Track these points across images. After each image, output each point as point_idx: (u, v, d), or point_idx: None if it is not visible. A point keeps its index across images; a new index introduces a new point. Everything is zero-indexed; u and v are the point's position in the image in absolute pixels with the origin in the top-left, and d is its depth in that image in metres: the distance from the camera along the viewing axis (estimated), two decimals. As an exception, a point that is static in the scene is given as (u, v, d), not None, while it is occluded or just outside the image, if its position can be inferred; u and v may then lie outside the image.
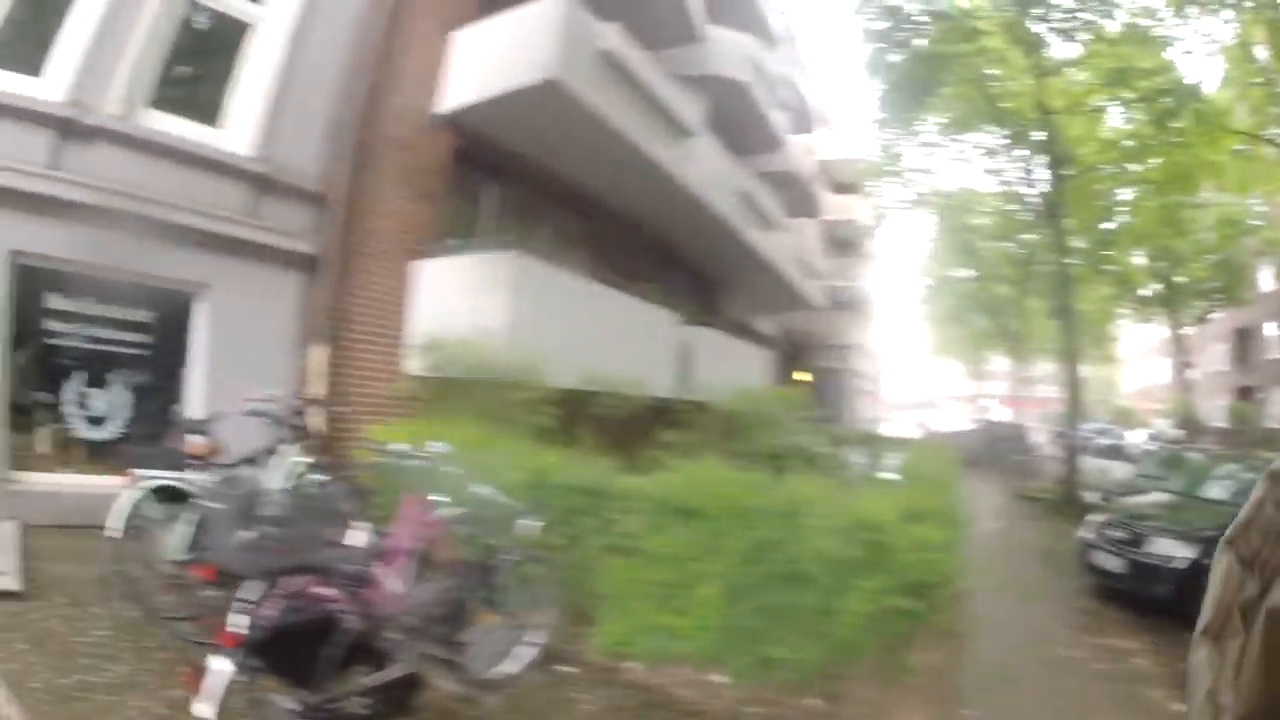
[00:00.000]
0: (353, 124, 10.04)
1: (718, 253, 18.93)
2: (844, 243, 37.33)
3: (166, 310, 9.25)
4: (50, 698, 4.89)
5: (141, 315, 9.09)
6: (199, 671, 3.77)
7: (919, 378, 51.09)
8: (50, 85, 8.15)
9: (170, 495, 6.19)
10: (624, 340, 12.45)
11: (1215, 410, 38.65)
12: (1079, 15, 17.19)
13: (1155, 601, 9.08)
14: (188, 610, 5.77)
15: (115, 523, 5.88)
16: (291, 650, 4.06)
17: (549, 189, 13.76)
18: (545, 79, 10.37)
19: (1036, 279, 26.89)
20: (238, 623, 3.93)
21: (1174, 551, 9.22)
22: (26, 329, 8.28)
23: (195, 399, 9.20)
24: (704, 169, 15.28)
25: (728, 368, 15.89)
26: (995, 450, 28.13)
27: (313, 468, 7.08)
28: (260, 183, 9.39)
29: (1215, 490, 11.69)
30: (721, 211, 16.29)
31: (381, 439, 7.12)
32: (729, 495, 5.72)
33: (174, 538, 6.05)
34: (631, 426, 10.67)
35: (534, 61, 10.48)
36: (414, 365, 10.38)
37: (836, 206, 34.84)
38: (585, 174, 13.74)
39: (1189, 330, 36.05)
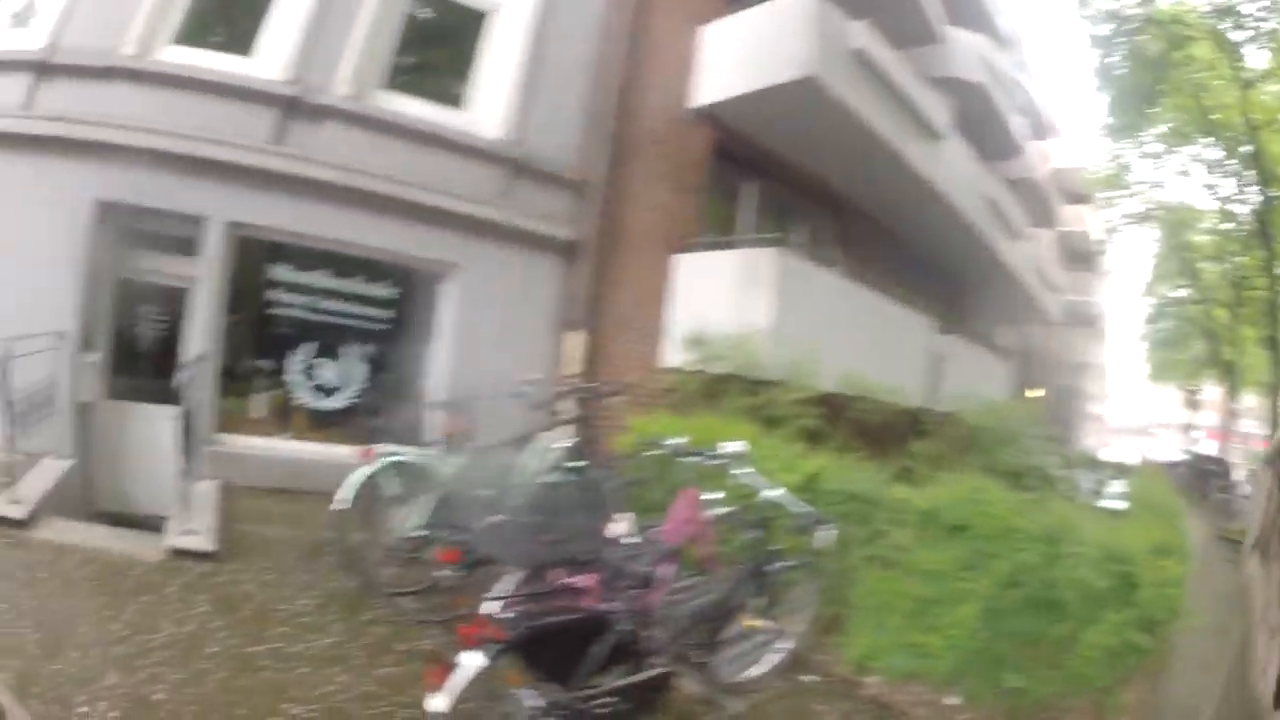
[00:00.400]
0: (607, 114, 9.63)
1: (964, 259, 17.65)
2: (1078, 255, 34.58)
3: (409, 288, 8.78)
4: (229, 664, 4.56)
5: (381, 291, 8.63)
6: (445, 665, 3.36)
7: (1137, 402, 46.86)
8: (265, 66, 8.04)
9: (409, 472, 5.94)
10: (879, 344, 11.41)
11: None
12: (1264, 22, 15.34)
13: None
14: (413, 587, 5.62)
15: (345, 493, 5.61)
16: (550, 646, 3.64)
17: (803, 187, 12.99)
18: (803, 75, 9.74)
19: (1249, 304, 24.39)
20: (497, 616, 3.55)
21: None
22: (247, 298, 8.01)
23: (437, 377, 8.70)
24: (954, 173, 14.25)
25: (971, 378, 14.59)
26: (1199, 484, 25.42)
27: (572, 455, 6.61)
28: (513, 167, 9.01)
29: None
30: (970, 217, 15.26)
31: (650, 431, 6.89)
32: (998, 514, 5.41)
33: (409, 514, 5.81)
34: (884, 434, 9.83)
35: (790, 58, 9.86)
36: (674, 358, 9.80)
37: (1070, 217, 32.28)
38: (839, 173, 12.91)
39: None
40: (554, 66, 9.35)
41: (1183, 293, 31.15)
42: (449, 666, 3.35)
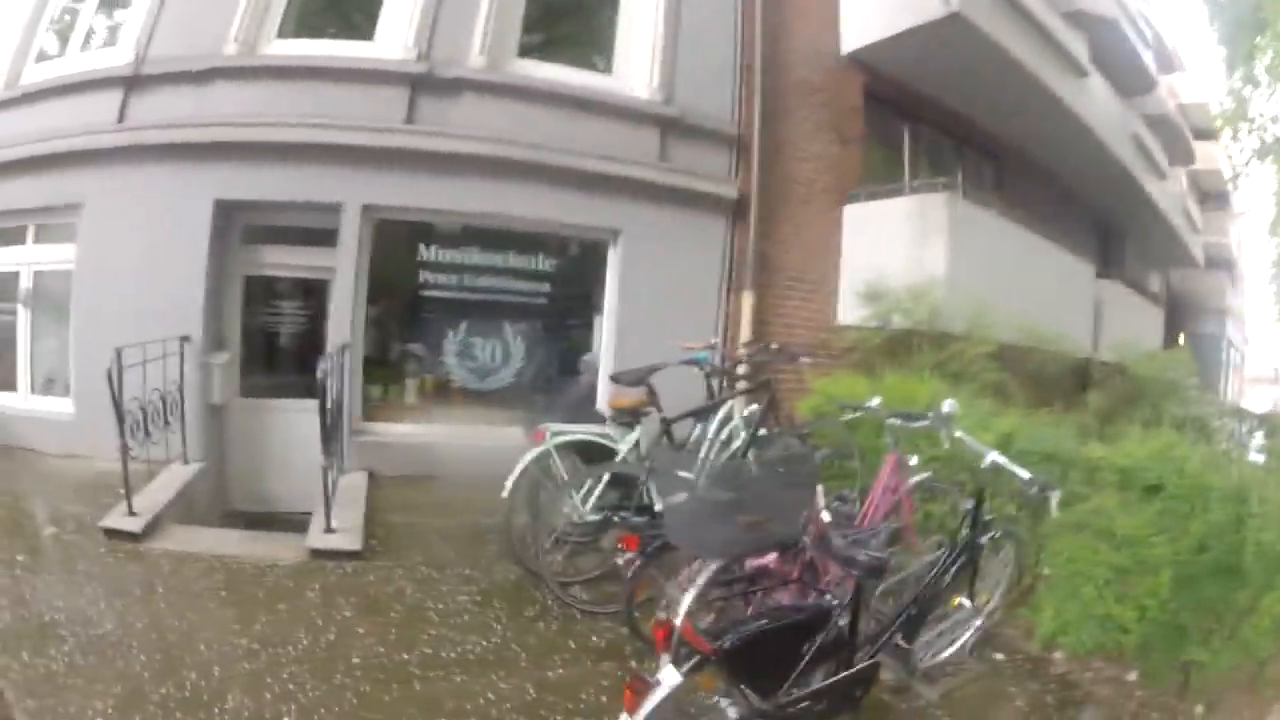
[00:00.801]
0: (758, 66, 8.92)
1: (1114, 201, 16.70)
2: (1210, 195, 32.60)
3: (566, 259, 8.25)
4: (374, 676, 4.06)
5: (536, 264, 8.04)
6: (642, 682, 2.89)
7: (1272, 349, 43.89)
8: (388, 47, 7.66)
9: (582, 451, 5.51)
10: (1044, 291, 10.71)
11: None
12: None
13: None
14: (584, 575, 5.31)
15: (513, 477, 5.23)
16: (758, 649, 3.07)
17: (956, 131, 12.34)
18: (948, 12, 9.18)
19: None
20: (701, 627, 3.11)
21: None
22: (395, 282, 7.57)
23: (601, 349, 8.19)
24: (1100, 109, 13.62)
25: (1126, 325, 13.74)
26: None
27: (760, 425, 5.96)
28: (666, 126, 8.36)
29: None
30: (1120, 155, 14.56)
31: (837, 394, 6.47)
32: (1193, 472, 4.82)
33: (582, 497, 5.31)
34: (1056, 386, 9.35)
35: (934, -5, 9.24)
36: (847, 314, 9.30)
37: (1201, 155, 30.39)
38: (991, 115, 12.18)
39: None
40: (695, 21, 8.71)
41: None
42: (646, 684, 2.89)
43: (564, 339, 8.29)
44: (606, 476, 5.31)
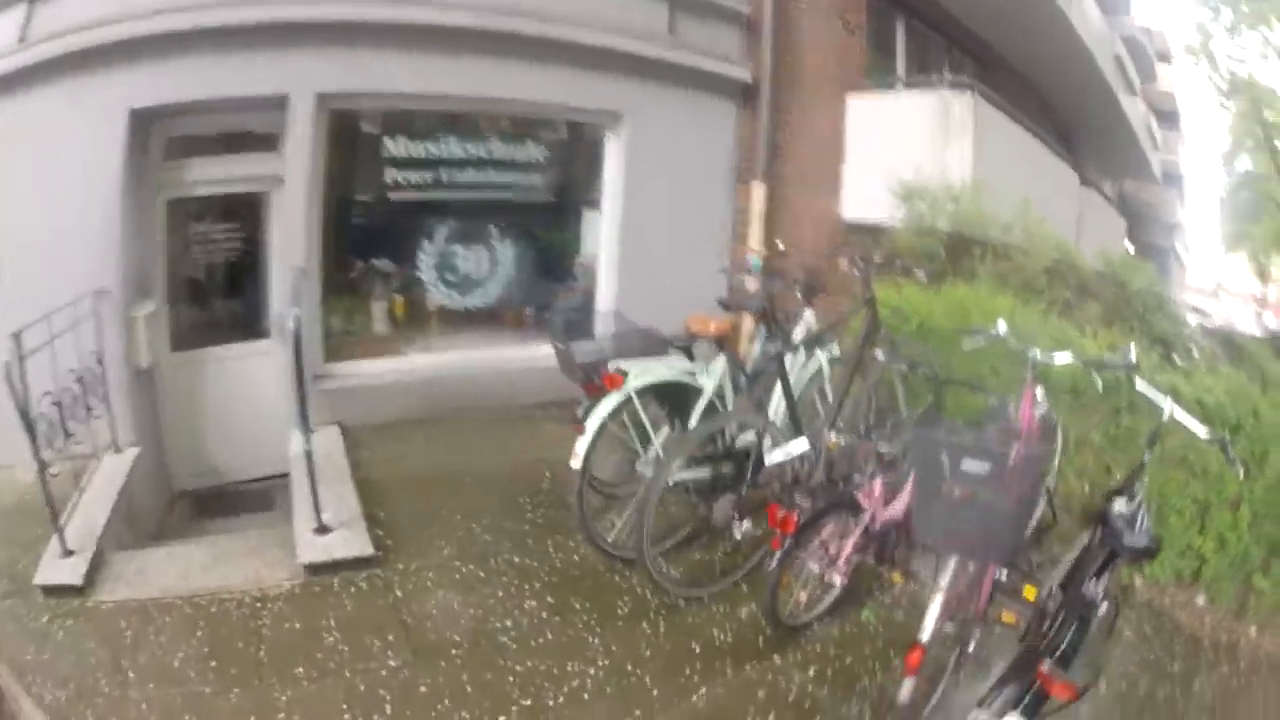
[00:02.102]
0: None
1: (1092, 114, 16.03)
2: (1166, 115, 32.29)
3: (561, 147, 6.78)
4: None
5: (526, 153, 6.54)
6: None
7: (1211, 267, 44.68)
8: None
9: (664, 396, 4.20)
10: (1043, 199, 9.68)
11: None
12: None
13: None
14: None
15: (587, 441, 3.89)
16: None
17: (951, 33, 11.50)
18: None
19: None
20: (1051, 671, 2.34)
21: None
22: (355, 184, 5.88)
23: (607, 249, 6.88)
24: (1093, 27, 13.34)
25: (1099, 235, 13.17)
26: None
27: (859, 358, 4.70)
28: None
29: None
30: (1104, 69, 14.09)
31: (909, 307, 5.52)
32: (1268, 413, 4.62)
33: (675, 456, 3.94)
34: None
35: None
36: (855, 211, 8.34)
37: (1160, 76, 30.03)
38: (987, 19, 11.44)
39: None
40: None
41: (1263, 169, 29.39)
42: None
43: (558, 240, 6.95)
44: (706, 428, 4.14)
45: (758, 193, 7.54)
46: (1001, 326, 4.26)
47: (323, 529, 4.02)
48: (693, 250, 7.11)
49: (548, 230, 6.86)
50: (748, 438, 4.27)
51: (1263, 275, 44.03)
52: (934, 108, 8.05)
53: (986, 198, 7.58)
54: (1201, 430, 3.42)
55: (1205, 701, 3.73)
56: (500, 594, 3.85)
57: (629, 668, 3.38)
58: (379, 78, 5.52)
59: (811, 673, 3.45)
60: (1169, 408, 3.46)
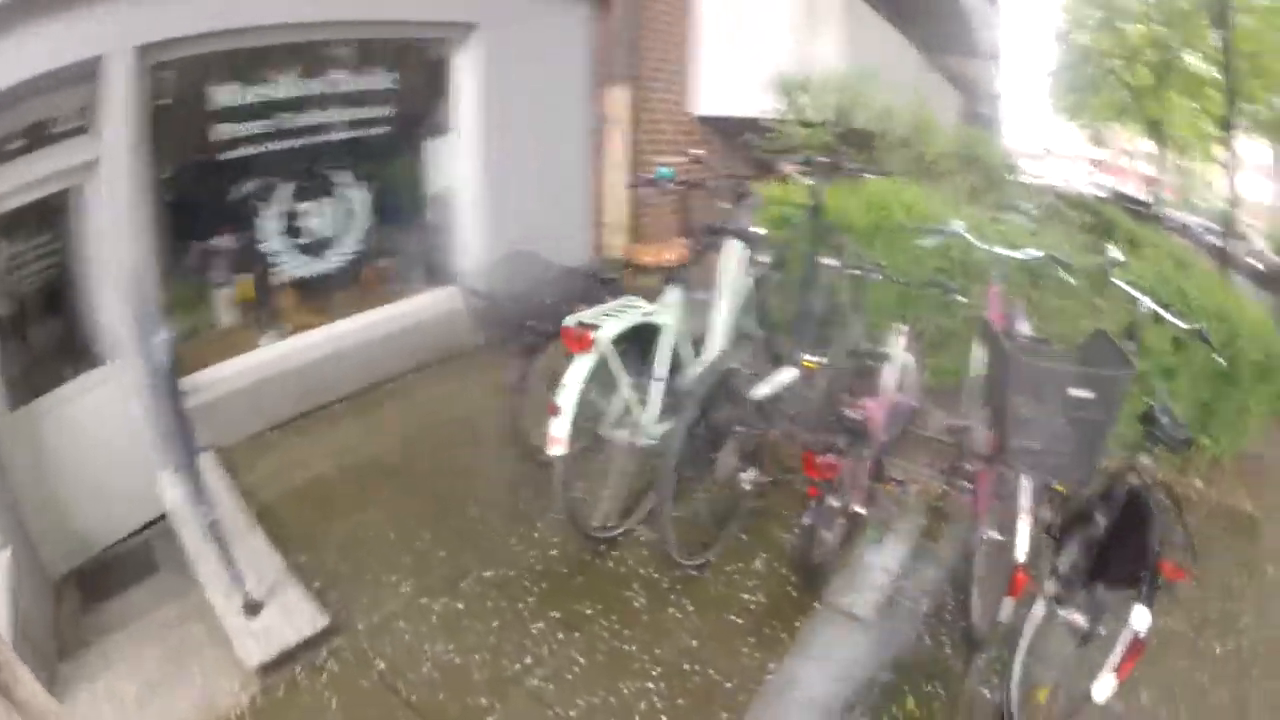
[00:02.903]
0: None
1: None
2: None
3: (405, 71, 5.60)
4: None
5: (372, 83, 5.38)
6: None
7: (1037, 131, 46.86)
8: None
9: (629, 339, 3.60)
10: (894, 81, 9.41)
11: None
12: None
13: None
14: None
15: (567, 421, 3.27)
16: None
17: None
18: None
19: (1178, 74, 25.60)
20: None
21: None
22: (178, 152, 4.46)
23: (468, 180, 5.99)
24: None
25: (939, 111, 12.84)
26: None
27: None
28: None
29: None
30: None
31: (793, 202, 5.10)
32: (1195, 295, 4.84)
33: (690, 415, 3.41)
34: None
35: None
36: (707, 106, 8.02)
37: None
38: None
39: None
40: None
41: (1104, 46, 30.94)
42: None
43: (409, 178, 5.91)
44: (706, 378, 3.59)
45: (620, 97, 6.92)
46: (958, 224, 4.24)
47: (251, 606, 3.13)
48: (561, 171, 6.50)
49: (399, 168, 5.81)
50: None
51: (1098, 141, 47.51)
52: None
53: (869, 86, 7.35)
54: (1181, 322, 3.35)
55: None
56: (495, 624, 3.23)
57: (685, 666, 3.04)
58: (204, 14, 4.23)
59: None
60: (1147, 302, 3.41)
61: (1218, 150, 29.25)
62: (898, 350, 3.86)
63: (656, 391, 3.70)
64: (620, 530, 3.79)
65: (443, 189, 6.02)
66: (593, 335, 3.32)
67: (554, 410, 3.24)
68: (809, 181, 4.76)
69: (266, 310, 5.09)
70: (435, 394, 5.38)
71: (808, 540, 3.27)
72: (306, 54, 4.92)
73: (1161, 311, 3.40)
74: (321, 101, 5.05)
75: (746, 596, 3.44)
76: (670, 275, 3.87)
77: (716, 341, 4.03)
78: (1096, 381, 2.67)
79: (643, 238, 7.39)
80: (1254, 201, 36.58)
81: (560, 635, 3.16)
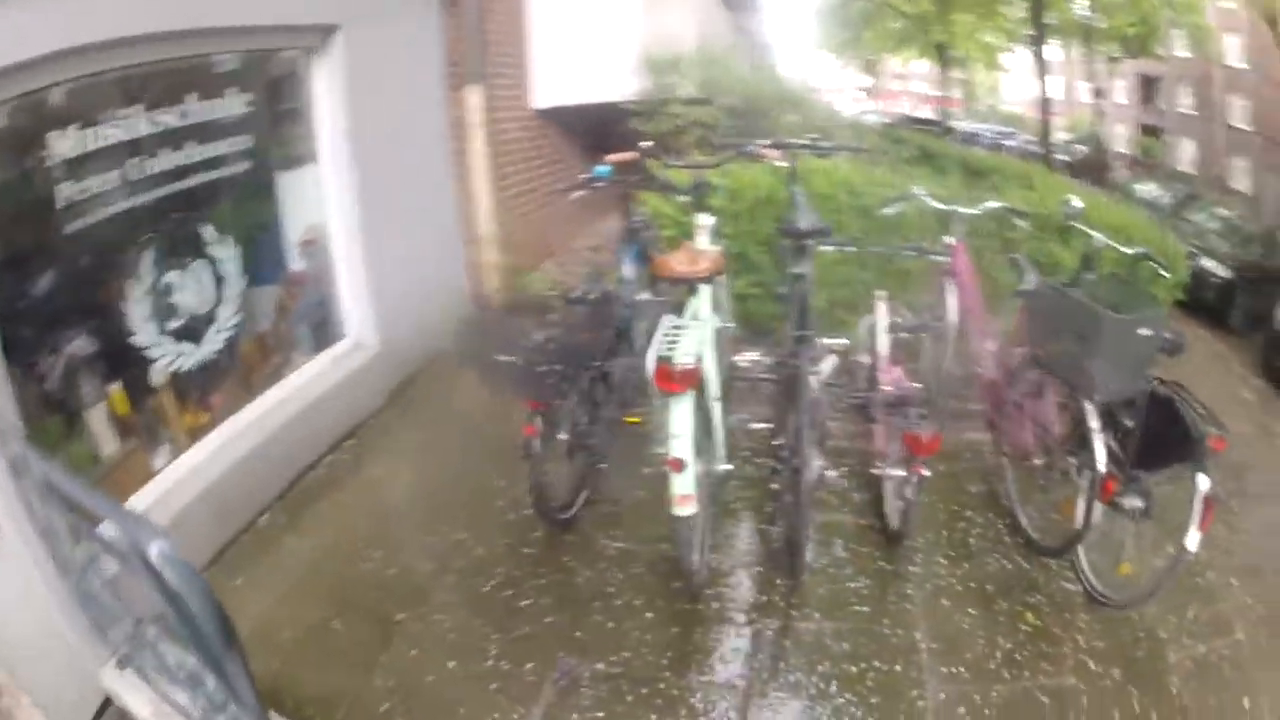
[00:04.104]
0: None
1: None
2: None
3: (266, 87, 4.42)
4: None
5: (231, 106, 4.10)
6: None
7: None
8: None
9: None
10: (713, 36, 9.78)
11: (1119, 138, 39.11)
12: None
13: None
14: None
15: (688, 483, 3.00)
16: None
17: None
18: None
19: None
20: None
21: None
22: (18, 228, 3.12)
23: (342, 212, 4.94)
24: None
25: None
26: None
27: None
28: None
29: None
30: None
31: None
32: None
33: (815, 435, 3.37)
34: None
35: None
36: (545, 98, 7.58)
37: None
38: None
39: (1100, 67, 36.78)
40: None
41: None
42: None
43: (273, 221, 4.63)
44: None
45: (474, 98, 6.19)
46: (917, 190, 4.71)
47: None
48: (432, 188, 5.83)
49: (261, 212, 4.55)
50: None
51: (872, 70, 50.56)
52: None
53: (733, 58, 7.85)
54: (1128, 249, 4.17)
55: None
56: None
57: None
58: (33, 37, 2.83)
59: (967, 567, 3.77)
60: (1101, 237, 4.13)
61: (1004, 59, 31.98)
62: (884, 319, 3.97)
63: (718, 411, 3.57)
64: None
65: (311, 228, 4.88)
66: (696, 369, 2.97)
67: (677, 465, 2.90)
68: (784, 164, 4.56)
69: (150, 423, 3.76)
70: (377, 474, 4.42)
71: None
72: (154, 81, 3.62)
73: (1112, 243, 4.15)
74: (174, 138, 3.77)
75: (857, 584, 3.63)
76: (697, 284, 3.56)
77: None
78: (1153, 323, 3.31)
79: (515, 250, 6.62)
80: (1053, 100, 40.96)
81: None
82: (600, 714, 2.85)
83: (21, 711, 2.22)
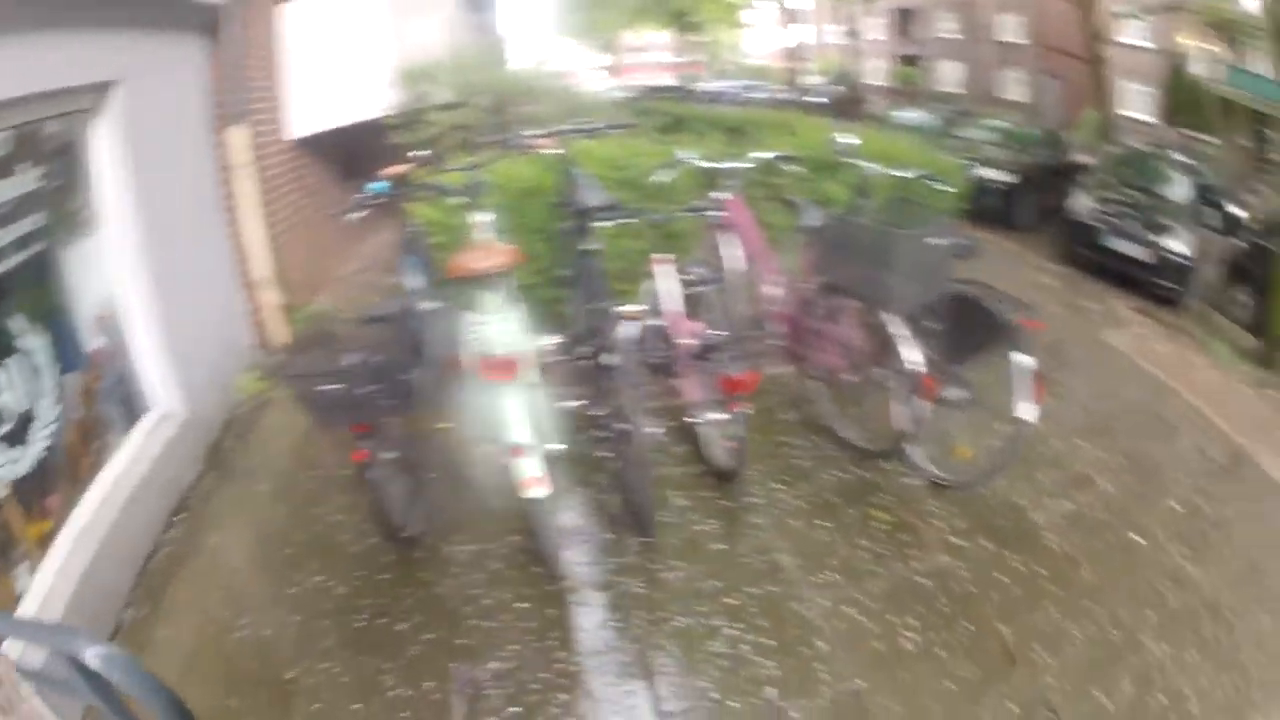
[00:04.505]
0: None
1: None
2: None
3: (48, 155, 4.11)
4: None
5: (24, 179, 3.86)
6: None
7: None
8: None
9: None
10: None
11: (875, 72, 40.90)
12: None
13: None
14: None
15: (534, 464, 3.23)
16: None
17: None
18: None
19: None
20: None
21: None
22: None
23: (126, 279, 4.69)
24: None
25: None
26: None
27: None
28: None
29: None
30: None
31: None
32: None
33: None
34: None
35: None
36: (301, 128, 7.43)
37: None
38: None
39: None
40: None
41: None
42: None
43: (66, 300, 4.28)
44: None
45: (239, 138, 6.00)
46: (683, 154, 5.06)
47: None
48: (212, 235, 5.76)
49: (60, 288, 4.22)
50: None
51: (611, 48, 49.83)
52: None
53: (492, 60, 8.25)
54: (908, 173, 4.91)
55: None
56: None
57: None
58: None
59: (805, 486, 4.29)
60: (876, 167, 4.87)
61: (746, 16, 33.25)
62: (671, 279, 4.09)
63: (539, 394, 3.66)
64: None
65: (104, 301, 4.58)
66: (518, 356, 3.20)
67: (518, 451, 3.09)
68: (558, 151, 4.83)
69: (2, 542, 3.44)
70: (218, 541, 4.27)
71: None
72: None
73: (889, 170, 4.84)
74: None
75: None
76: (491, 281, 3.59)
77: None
78: (941, 232, 3.79)
79: (290, 288, 6.49)
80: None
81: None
82: (517, 709, 2.95)
83: (25, 704, 2.05)
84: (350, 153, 7.80)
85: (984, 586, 3.47)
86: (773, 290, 4.81)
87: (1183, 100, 18.94)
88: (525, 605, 3.46)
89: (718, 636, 3.22)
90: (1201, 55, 18.15)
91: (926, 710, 2.95)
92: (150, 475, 4.38)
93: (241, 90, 6.10)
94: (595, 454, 4.11)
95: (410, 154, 5.10)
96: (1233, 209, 10.13)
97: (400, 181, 4.54)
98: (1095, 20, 17.54)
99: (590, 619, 3.39)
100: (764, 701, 2.95)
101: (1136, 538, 3.88)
